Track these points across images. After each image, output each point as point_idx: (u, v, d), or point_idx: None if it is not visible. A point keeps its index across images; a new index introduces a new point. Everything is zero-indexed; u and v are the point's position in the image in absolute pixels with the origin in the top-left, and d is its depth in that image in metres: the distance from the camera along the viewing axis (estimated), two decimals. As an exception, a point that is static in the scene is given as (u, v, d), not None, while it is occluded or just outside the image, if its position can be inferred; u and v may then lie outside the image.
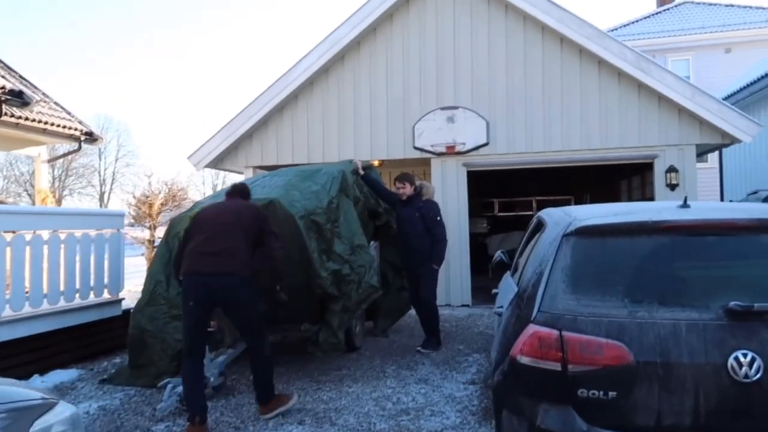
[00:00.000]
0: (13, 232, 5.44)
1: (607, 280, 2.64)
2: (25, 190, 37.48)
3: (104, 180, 49.01)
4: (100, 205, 47.53)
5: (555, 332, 2.53)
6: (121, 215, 6.79)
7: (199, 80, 69.00)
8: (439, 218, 6.28)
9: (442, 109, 9.34)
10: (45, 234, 5.79)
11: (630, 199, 12.04)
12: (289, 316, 5.39)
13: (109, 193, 48.92)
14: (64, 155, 12.42)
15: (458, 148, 9.26)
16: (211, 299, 4.09)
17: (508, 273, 4.69)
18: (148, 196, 15.55)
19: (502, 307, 3.52)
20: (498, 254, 4.92)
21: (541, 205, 13.85)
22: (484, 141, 9.23)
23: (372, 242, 6.74)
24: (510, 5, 9.15)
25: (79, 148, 11.73)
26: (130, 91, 64.37)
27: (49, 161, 12.11)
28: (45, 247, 5.75)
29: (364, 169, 6.62)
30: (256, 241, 4.31)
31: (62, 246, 5.98)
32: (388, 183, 8.20)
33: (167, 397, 4.42)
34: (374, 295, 5.69)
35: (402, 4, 9.49)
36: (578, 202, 14.04)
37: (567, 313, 2.56)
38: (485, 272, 12.31)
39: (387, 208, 6.77)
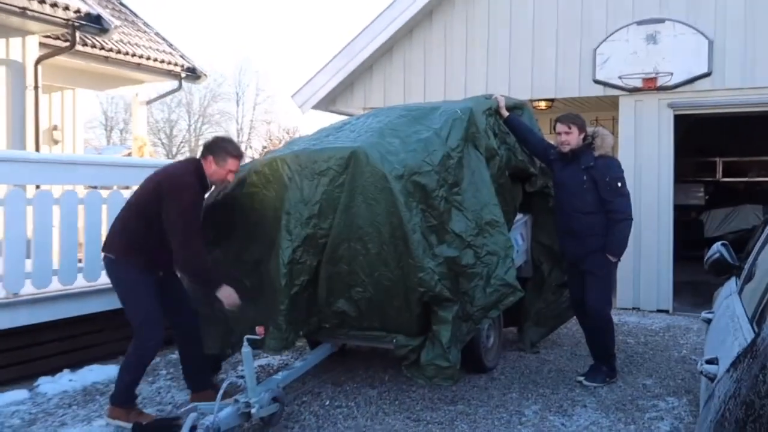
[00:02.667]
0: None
1: None
2: (159, 140, 40.91)
3: (242, 128, 51.99)
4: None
5: None
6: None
7: (349, 18, 70.43)
8: (620, 185, 4.96)
9: (639, 23, 7.77)
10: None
11: None
12: (379, 322, 4.46)
13: (247, 143, 51.90)
14: (164, 96, 12.63)
15: (662, 81, 7.66)
16: None
17: (733, 285, 3.29)
18: (265, 146, 15.66)
19: (714, 362, 2.20)
20: (716, 247, 3.69)
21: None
22: (703, 70, 7.55)
23: (519, 217, 5.71)
24: None
25: (180, 87, 11.80)
26: (270, 31, 67.63)
27: (147, 103, 12.35)
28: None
29: (509, 109, 5.51)
30: (156, 210, 4.24)
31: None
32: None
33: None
34: (510, 297, 4.68)
35: None
36: None
37: None
38: (698, 259, 10.50)
39: (545, 167, 5.62)
